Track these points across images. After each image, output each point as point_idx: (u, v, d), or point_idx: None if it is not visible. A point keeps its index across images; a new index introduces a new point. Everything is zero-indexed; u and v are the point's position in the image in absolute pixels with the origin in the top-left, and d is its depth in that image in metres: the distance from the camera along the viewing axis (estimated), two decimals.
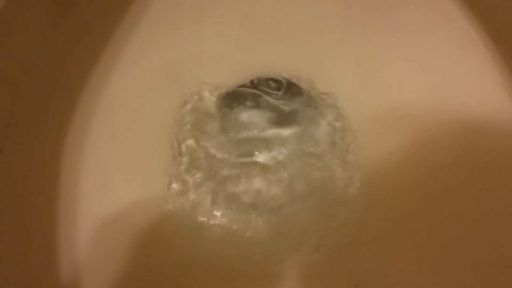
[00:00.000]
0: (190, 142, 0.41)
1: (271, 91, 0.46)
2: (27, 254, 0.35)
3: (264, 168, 0.43)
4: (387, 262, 0.39)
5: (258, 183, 0.43)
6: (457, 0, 0.42)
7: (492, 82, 0.41)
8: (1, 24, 0.32)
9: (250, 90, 0.45)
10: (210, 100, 0.43)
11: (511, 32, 0.40)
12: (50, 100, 0.37)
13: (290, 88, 0.46)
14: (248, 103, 0.45)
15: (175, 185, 0.39)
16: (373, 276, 0.38)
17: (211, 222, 0.39)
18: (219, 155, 0.43)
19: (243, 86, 0.45)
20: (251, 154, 0.44)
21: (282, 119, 0.49)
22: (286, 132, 0.47)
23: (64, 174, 0.36)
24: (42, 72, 0.37)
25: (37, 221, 0.35)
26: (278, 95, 0.47)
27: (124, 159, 0.38)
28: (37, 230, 0.35)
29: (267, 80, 0.46)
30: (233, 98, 0.44)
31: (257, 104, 0.46)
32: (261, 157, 0.44)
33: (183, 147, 0.40)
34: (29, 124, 0.37)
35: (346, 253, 0.38)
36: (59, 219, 0.36)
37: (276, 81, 0.46)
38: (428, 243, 0.39)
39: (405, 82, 0.42)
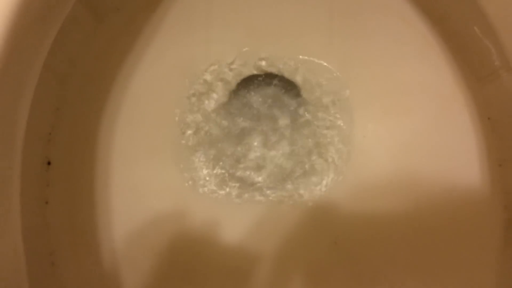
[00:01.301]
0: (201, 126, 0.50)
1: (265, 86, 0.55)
2: (77, 219, 0.44)
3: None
4: (365, 222, 0.47)
5: (256, 162, 0.52)
6: (418, 9, 0.50)
7: (445, 78, 0.50)
8: (53, 30, 0.42)
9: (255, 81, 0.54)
10: (215, 91, 0.52)
11: (460, 36, 0.49)
12: (90, 88, 0.46)
13: (283, 87, 0.55)
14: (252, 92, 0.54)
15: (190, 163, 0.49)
16: (352, 234, 0.47)
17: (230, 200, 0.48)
18: (225, 142, 0.52)
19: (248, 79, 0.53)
20: (250, 145, 0.53)
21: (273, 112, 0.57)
22: (281, 121, 0.56)
23: (100, 148, 0.46)
24: (84, 66, 0.46)
25: (84, 188, 0.45)
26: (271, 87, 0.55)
27: (148, 138, 0.47)
28: (83, 196, 0.45)
29: (264, 76, 0.54)
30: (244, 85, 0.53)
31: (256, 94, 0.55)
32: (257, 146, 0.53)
33: (193, 129, 0.49)
34: (74, 107, 0.46)
35: (327, 213, 0.47)
36: (97, 188, 0.45)
37: (270, 76, 0.55)
38: (403, 206, 0.47)
39: (373, 79, 0.50)
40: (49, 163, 0.44)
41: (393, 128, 0.50)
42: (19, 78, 0.32)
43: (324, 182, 0.50)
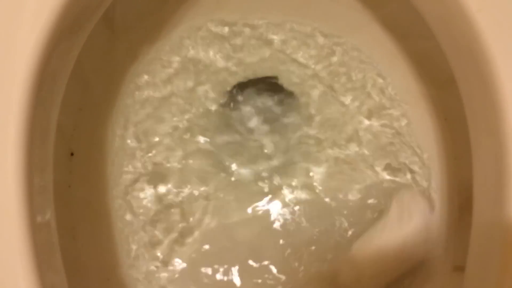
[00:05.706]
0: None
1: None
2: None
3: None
4: None
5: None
6: (384, 28, 0.59)
7: (409, 86, 0.58)
8: (80, 43, 0.50)
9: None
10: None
11: (420, 51, 0.57)
12: (107, 93, 0.55)
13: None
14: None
15: None
16: None
17: None
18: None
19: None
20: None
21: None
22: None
23: (114, 142, 0.54)
24: (103, 74, 0.55)
25: (100, 175, 0.52)
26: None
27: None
28: (99, 182, 0.52)
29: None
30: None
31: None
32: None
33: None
34: (94, 108, 0.54)
35: None
36: (110, 176, 0.53)
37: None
38: None
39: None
40: (72, 154, 0.52)
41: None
42: (53, 83, 0.39)
43: None
